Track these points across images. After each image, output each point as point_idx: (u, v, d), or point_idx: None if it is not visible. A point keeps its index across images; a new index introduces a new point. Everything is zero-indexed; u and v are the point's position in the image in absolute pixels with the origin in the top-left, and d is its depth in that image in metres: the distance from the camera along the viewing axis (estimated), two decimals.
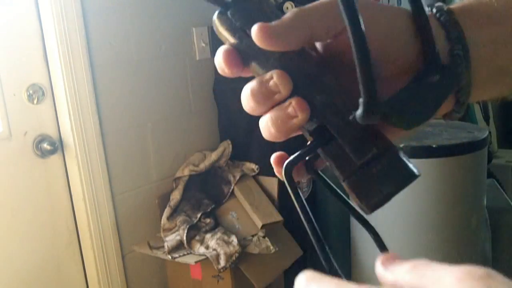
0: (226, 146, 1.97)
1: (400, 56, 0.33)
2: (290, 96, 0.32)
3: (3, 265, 1.51)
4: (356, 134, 0.31)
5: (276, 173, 0.34)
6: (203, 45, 1.96)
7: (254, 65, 0.33)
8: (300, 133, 0.34)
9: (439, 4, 0.35)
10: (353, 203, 0.33)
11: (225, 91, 1.99)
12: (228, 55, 0.32)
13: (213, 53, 1.99)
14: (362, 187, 0.31)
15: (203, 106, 2.01)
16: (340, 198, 0.34)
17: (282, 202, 1.92)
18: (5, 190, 1.50)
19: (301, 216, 0.32)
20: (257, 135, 1.95)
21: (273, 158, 0.35)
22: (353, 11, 0.26)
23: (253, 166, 1.92)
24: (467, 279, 0.21)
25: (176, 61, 1.90)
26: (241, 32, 0.33)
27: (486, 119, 3.64)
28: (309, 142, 0.33)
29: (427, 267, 0.23)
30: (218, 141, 2.05)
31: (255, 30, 0.30)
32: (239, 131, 1.98)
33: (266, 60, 0.32)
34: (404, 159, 0.31)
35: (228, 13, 0.33)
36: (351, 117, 0.30)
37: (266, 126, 0.33)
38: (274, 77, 0.31)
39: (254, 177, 1.94)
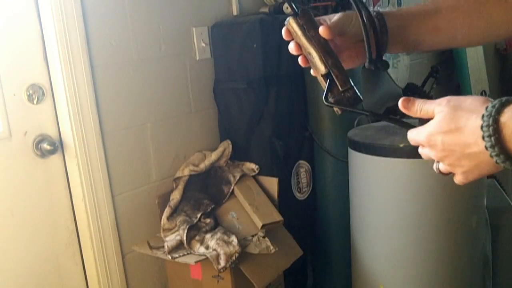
0: (226, 146, 1.97)
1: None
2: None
3: (3, 265, 1.51)
4: (342, 78, 0.72)
5: None
6: (203, 45, 1.96)
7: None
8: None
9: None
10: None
11: (225, 91, 1.99)
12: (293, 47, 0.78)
13: (213, 53, 1.99)
14: (339, 101, 0.72)
15: (203, 106, 2.01)
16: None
17: (282, 202, 1.92)
18: (5, 190, 1.50)
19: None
20: (257, 135, 1.94)
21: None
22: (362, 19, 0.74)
23: (253, 166, 1.92)
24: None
25: (176, 61, 1.90)
26: (303, 27, 0.74)
27: None
28: (327, 83, 0.74)
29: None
30: (218, 141, 2.05)
31: (322, 28, 0.72)
32: (239, 131, 1.98)
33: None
34: (358, 93, 0.72)
35: (297, 18, 0.75)
36: (342, 72, 0.73)
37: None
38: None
39: (254, 177, 1.94)
